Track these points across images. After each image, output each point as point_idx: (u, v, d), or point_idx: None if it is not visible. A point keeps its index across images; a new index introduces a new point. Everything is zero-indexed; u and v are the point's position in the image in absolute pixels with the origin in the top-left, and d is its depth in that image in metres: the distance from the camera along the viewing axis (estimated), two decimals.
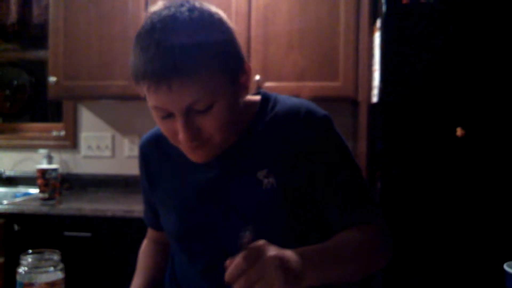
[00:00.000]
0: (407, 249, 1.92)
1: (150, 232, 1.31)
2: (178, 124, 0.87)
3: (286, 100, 1.05)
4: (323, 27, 2.44)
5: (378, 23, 2.03)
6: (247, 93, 0.98)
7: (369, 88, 2.22)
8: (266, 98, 1.06)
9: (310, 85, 2.44)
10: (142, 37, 0.85)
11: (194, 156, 0.96)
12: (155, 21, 0.84)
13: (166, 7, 0.86)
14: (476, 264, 1.89)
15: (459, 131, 1.87)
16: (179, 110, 0.86)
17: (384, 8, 1.94)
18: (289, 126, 0.99)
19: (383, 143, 1.96)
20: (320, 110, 1.02)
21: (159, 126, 0.94)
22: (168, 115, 0.88)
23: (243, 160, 1.01)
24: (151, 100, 0.87)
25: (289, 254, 0.78)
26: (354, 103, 2.61)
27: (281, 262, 0.74)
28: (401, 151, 1.94)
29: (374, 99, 2.09)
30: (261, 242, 0.76)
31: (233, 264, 0.74)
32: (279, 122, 1.01)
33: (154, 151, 1.14)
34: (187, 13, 0.84)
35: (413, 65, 1.93)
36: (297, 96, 1.13)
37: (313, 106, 1.02)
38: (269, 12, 2.46)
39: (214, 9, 0.90)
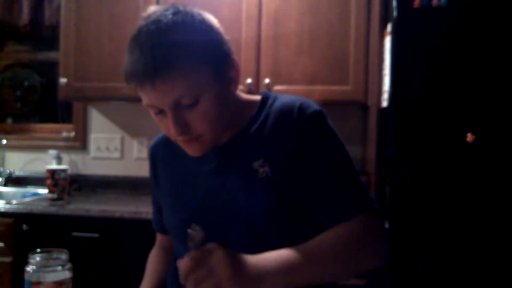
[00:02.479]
0: (416, 255, 1.91)
1: (158, 238, 1.34)
2: (168, 120, 0.93)
3: (284, 97, 1.08)
4: (333, 31, 2.44)
5: (389, 27, 2.02)
6: (236, 87, 1.03)
7: (379, 92, 2.21)
8: (266, 97, 1.10)
9: (320, 89, 2.43)
10: (130, 41, 0.93)
11: (189, 150, 1.01)
12: (142, 26, 0.92)
13: (154, 12, 0.93)
14: (487, 271, 1.87)
15: (469, 137, 1.86)
16: (166, 106, 0.91)
17: (395, 12, 1.93)
18: (284, 119, 1.03)
19: (392, 148, 1.95)
20: (314, 105, 1.05)
21: (157, 123, 0.99)
22: (160, 112, 0.94)
23: (239, 151, 1.05)
24: (143, 99, 0.94)
25: (240, 255, 0.81)
26: (364, 107, 2.60)
27: (228, 260, 0.77)
28: (410, 156, 1.93)
29: (384, 103, 2.09)
30: (211, 244, 0.80)
31: (183, 264, 0.77)
32: (275, 117, 1.04)
33: (162, 150, 1.20)
34: (170, 16, 0.91)
35: (423, 70, 1.92)
36: None
37: (308, 101, 1.05)
38: (280, 15, 2.46)
39: (198, 11, 0.95)
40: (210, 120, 0.95)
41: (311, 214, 1.02)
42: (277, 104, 1.06)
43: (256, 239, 1.01)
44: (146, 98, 0.92)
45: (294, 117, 1.02)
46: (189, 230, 0.79)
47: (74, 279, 0.94)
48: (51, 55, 3.23)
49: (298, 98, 1.07)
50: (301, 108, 1.02)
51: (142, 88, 0.90)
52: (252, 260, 0.82)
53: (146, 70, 0.87)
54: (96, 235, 2.34)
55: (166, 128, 0.97)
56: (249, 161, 1.02)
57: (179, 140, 0.98)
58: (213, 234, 1.03)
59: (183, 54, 0.88)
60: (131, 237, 2.31)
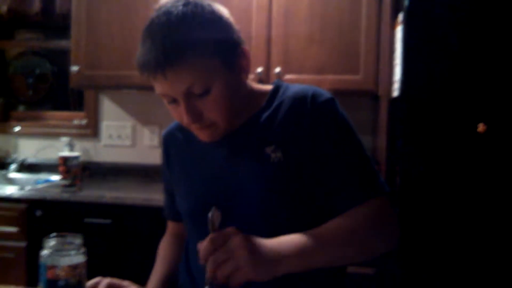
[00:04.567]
0: (426, 245, 1.91)
1: (169, 226, 1.36)
2: (181, 108, 0.97)
3: (296, 86, 1.11)
4: (344, 20, 2.43)
5: (400, 17, 2.01)
6: (247, 75, 1.06)
7: (390, 82, 2.20)
8: (278, 86, 1.13)
9: (331, 78, 2.43)
10: (143, 33, 0.96)
11: (202, 136, 1.04)
12: (154, 17, 0.95)
13: (165, 4, 0.96)
14: (498, 263, 1.87)
15: (480, 127, 1.85)
16: (178, 95, 0.95)
17: (406, 1, 1.92)
18: (297, 107, 1.05)
19: (403, 138, 1.95)
20: (326, 93, 1.07)
21: (170, 111, 1.02)
22: (173, 101, 0.98)
23: (252, 137, 1.07)
24: (156, 89, 0.97)
25: (258, 239, 0.83)
26: (374, 97, 2.59)
27: (247, 244, 0.79)
28: (420, 146, 1.93)
29: (395, 93, 2.08)
30: (230, 227, 0.82)
31: (202, 247, 0.80)
32: (288, 104, 1.07)
33: (176, 136, 1.22)
34: (180, 8, 0.93)
35: (434, 60, 1.91)
36: None
37: (320, 90, 1.08)
38: (290, 5, 2.46)
39: (208, 2, 0.98)
40: (221, 108, 0.98)
41: (322, 198, 1.04)
42: (290, 92, 1.08)
43: (268, 222, 1.02)
44: (159, 87, 0.96)
45: (307, 104, 1.04)
46: (209, 214, 0.81)
47: (87, 264, 0.96)
48: (62, 43, 3.23)
49: (311, 86, 1.08)
50: (314, 96, 1.05)
51: (155, 78, 0.94)
52: (269, 243, 0.84)
53: (157, 61, 0.90)
54: (108, 221, 2.37)
55: (179, 116, 1.00)
56: (262, 146, 1.04)
57: (192, 127, 1.01)
58: (226, 218, 1.06)
59: (193, 45, 0.91)
60: (143, 224, 2.33)
